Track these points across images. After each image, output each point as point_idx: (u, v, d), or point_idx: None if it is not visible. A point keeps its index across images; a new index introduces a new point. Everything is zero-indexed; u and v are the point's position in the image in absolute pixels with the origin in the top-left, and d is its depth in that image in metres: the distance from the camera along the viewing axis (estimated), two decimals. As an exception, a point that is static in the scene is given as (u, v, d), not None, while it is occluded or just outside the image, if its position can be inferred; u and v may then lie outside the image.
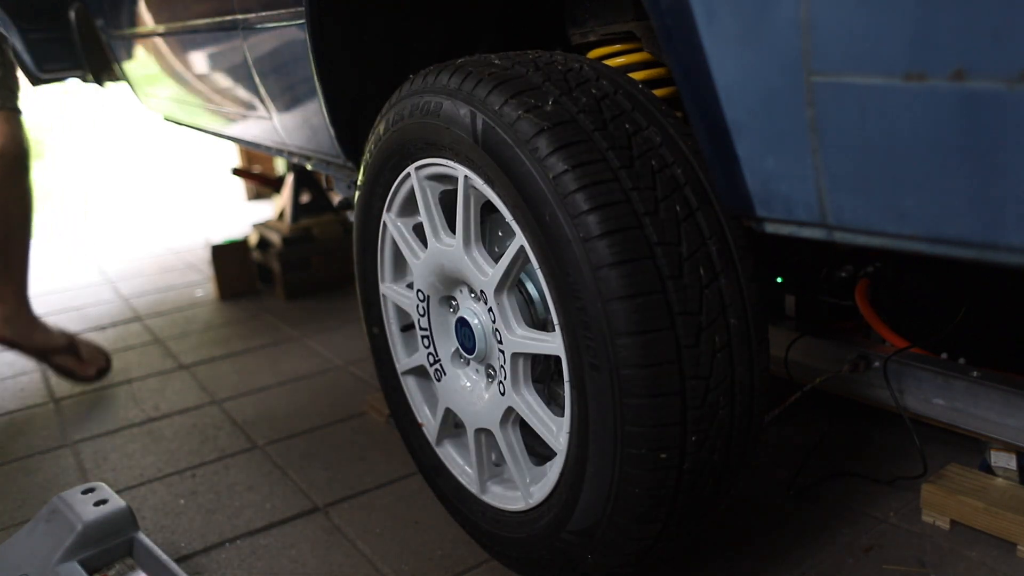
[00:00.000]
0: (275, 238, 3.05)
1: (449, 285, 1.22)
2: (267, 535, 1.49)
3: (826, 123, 0.71)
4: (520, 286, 1.11)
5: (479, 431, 1.21)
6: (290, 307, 2.90)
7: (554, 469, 1.07)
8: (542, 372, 1.16)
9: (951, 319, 1.44)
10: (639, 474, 0.92)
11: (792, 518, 1.38)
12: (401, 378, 1.40)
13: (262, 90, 1.76)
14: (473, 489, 1.26)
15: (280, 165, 3.96)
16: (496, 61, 1.03)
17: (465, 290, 1.21)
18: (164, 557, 1.26)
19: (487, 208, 1.10)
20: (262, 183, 3.71)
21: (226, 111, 2.11)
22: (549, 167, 0.90)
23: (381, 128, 1.22)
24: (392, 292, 1.35)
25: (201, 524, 1.54)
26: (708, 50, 0.79)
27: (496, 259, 1.07)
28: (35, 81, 2.91)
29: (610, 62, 1.27)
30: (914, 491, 1.40)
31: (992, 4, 0.58)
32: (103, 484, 1.37)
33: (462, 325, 1.19)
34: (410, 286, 1.32)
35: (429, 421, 1.37)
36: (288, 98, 1.68)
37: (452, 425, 1.34)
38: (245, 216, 4.36)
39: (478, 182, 1.04)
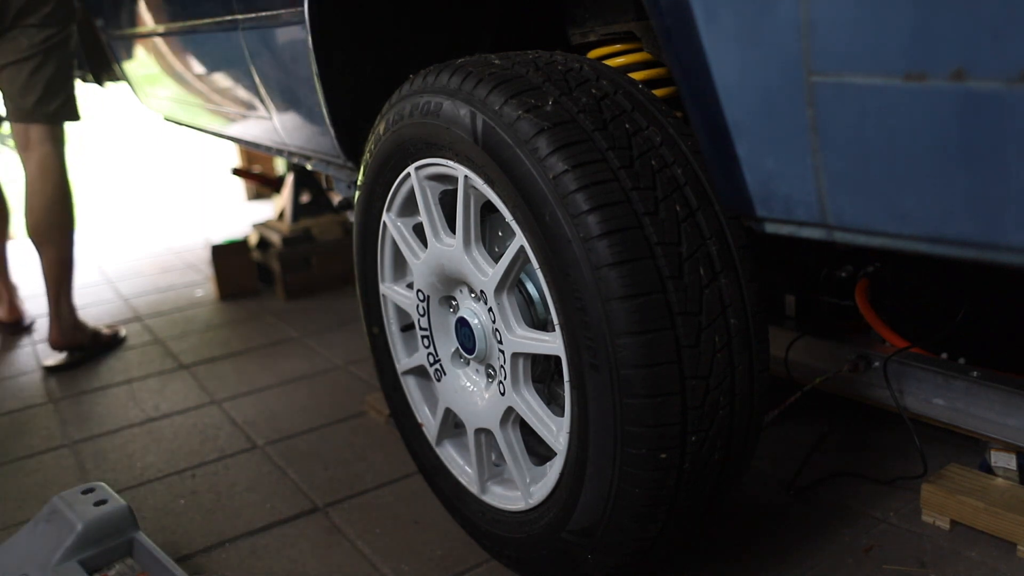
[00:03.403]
0: (275, 238, 3.05)
1: (449, 285, 1.22)
2: (267, 535, 1.49)
3: (826, 123, 0.71)
4: (520, 286, 1.11)
5: (479, 431, 1.21)
6: (290, 307, 2.90)
7: (554, 469, 1.07)
8: (542, 372, 1.16)
9: (951, 319, 1.44)
10: (639, 474, 0.92)
11: (792, 518, 1.38)
12: (401, 378, 1.40)
13: (262, 90, 1.76)
14: (473, 489, 1.26)
15: (280, 165, 3.96)
16: (496, 61, 1.03)
17: (465, 290, 1.21)
18: (164, 557, 1.26)
19: (487, 208, 1.10)
20: (262, 183, 3.70)
21: (226, 111, 2.12)
22: (549, 167, 0.90)
23: (381, 128, 1.22)
24: (392, 292, 1.35)
25: (201, 524, 1.54)
26: (708, 50, 0.79)
27: (496, 259, 1.07)
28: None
29: (610, 62, 1.27)
30: (914, 491, 1.39)
31: (992, 4, 0.58)
32: (103, 484, 1.37)
33: (462, 325, 1.19)
34: (410, 286, 1.32)
35: (429, 421, 1.37)
36: (288, 98, 1.68)
37: (452, 425, 1.34)
38: (245, 216, 4.36)
39: (478, 182, 1.04)
